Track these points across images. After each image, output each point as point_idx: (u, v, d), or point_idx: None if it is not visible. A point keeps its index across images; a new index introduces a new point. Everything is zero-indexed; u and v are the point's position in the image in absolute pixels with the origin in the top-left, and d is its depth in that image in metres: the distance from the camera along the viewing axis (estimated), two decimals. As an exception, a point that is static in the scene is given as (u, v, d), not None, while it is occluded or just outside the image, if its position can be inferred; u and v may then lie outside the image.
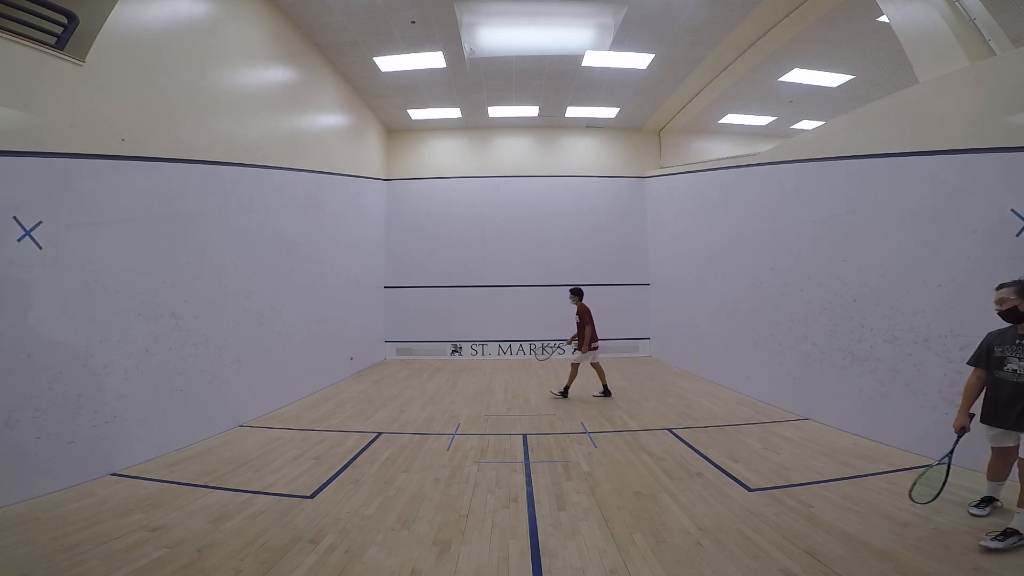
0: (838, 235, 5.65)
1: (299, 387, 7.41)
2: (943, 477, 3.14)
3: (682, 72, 9.25)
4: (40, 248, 3.73)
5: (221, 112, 5.83)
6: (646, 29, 7.78)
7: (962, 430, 3.22)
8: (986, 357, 3.21)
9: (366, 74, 9.30)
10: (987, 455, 3.33)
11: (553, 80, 9.77)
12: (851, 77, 8.97)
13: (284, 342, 6.98)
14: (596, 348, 7.37)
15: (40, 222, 3.74)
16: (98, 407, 4.11)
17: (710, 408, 6.65)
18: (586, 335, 7.24)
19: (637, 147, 12.48)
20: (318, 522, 3.33)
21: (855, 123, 5.69)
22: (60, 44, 4.01)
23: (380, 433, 5.55)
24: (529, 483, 4.06)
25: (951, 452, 3.25)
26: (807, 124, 11.07)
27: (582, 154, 12.49)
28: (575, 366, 7.49)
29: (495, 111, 11.33)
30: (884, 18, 5.87)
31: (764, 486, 3.90)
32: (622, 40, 8.09)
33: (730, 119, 11.67)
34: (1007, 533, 2.82)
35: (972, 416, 3.23)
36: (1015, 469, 3.10)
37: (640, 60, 8.79)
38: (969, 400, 3.27)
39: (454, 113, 11.39)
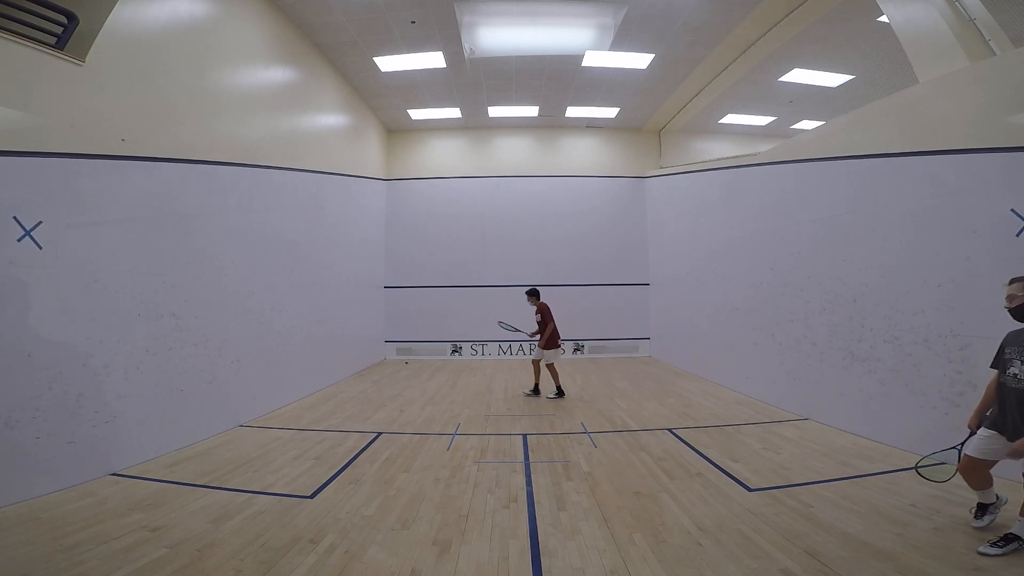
0: (838, 235, 5.65)
1: (299, 387, 7.41)
2: (953, 467, 3.12)
3: (682, 72, 9.24)
4: (40, 248, 3.73)
5: (221, 112, 5.83)
6: (646, 29, 7.78)
7: (971, 432, 3.11)
8: (999, 359, 3.00)
9: (366, 74, 9.29)
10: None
11: (553, 80, 9.77)
12: (851, 77, 8.97)
13: (284, 342, 6.98)
14: (558, 347, 7.46)
15: (40, 222, 3.73)
16: (98, 407, 4.11)
17: (710, 408, 6.65)
18: (548, 329, 7.33)
19: (637, 147, 12.48)
20: (318, 522, 3.32)
21: (855, 123, 5.69)
22: (60, 44, 4.01)
23: (380, 433, 5.55)
24: (529, 483, 4.06)
25: (962, 443, 3.14)
26: (807, 124, 11.06)
27: (582, 154, 12.48)
28: (536, 363, 7.55)
29: (495, 111, 11.32)
30: (884, 18, 5.87)
31: (764, 486, 3.90)
32: (622, 40, 8.09)
33: (730, 119, 11.66)
34: (1007, 539, 2.79)
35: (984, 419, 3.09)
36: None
37: (640, 60, 8.79)
38: (983, 402, 3.12)
39: (454, 113, 11.39)
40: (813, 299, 6.02)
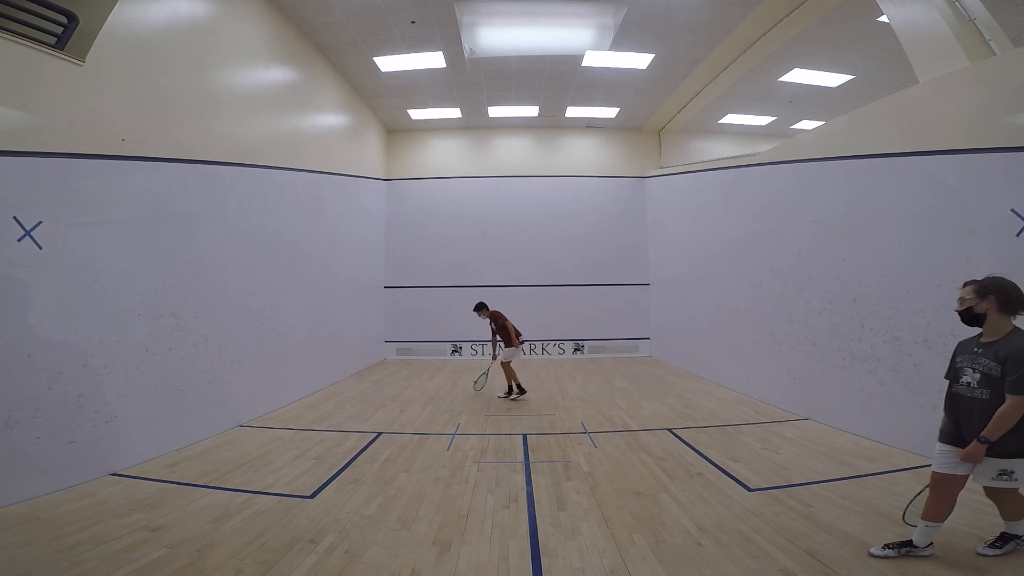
0: (838, 235, 5.65)
1: (299, 387, 7.41)
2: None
3: (682, 72, 9.24)
4: (40, 248, 3.73)
5: (221, 112, 5.83)
6: (646, 29, 7.78)
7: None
8: (951, 369, 2.83)
9: (366, 74, 9.29)
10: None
11: (553, 80, 9.77)
12: (851, 77, 8.97)
13: (284, 342, 6.98)
14: (519, 347, 7.50)
15: (40, 222, 3.73)
16: (98, 407, 4.11)
17: (710, 408, 6.65)
18: (509, 328, 7.34)
19: (637, 147, 12.48)
20: (318, 522, 3.32)
21: (855, 123, 5.69)
22: (60, 44, 4.01)
23: (380, 433, 5.55)
24: (529, 483, 4.06)
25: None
26: (807, 124, 11.07)
27: (582, 154, 12.48)
28: (505, 364, 7.49)
29: (495, 111, 11.33)
30: (884, 18, 5.87)
31: (764, 486, 3.90)
32: (622, 40, 8.09)
33: (730, 119, 11.66)
34: (1004, 538, 2.79)
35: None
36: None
37: (640, 60, 8.79)
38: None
39: (454, 113, 11.39)
40: (813, 299, 6.02)
